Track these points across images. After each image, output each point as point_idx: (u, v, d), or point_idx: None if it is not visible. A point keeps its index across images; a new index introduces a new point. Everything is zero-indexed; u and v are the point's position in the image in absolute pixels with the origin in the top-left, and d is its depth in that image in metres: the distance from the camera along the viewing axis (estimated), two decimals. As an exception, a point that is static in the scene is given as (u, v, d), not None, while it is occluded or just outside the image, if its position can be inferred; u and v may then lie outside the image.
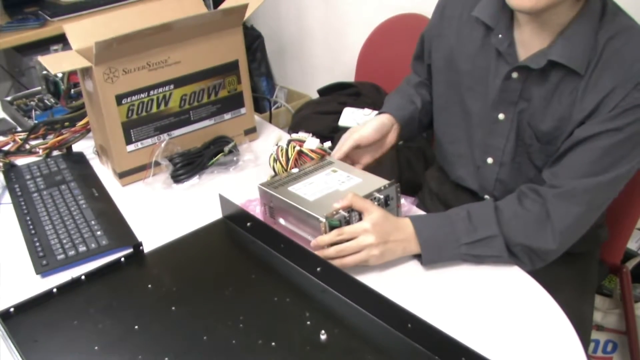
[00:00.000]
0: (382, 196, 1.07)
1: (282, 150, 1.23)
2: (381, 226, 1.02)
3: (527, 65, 1.06)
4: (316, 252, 1.03)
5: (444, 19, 1.22)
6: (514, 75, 1.09)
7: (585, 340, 0.93)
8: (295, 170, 1.17)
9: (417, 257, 1.06)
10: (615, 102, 0.99)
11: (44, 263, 1.08)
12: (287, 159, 1.21)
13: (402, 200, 1.13)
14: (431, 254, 1.04)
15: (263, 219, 1.15)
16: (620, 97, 0.98)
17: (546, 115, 1.07)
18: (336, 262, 1.01)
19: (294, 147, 1.22)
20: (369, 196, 1.06)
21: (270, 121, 1.67)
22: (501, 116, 1.13)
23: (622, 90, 0.98)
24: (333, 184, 1.11)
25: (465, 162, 1.24)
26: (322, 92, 2.19)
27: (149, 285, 1.03)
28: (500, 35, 1.09)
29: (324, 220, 1.02)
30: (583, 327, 1.15)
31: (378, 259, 1.03)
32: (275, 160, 1.23)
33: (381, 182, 1.10)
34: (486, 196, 1.22)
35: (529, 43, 1.07)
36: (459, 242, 1.03)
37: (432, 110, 1.30)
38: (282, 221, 1.12)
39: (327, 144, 1.24)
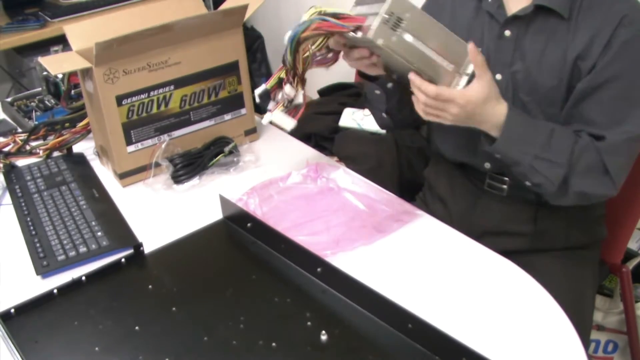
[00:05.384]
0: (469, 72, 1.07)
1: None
2: (474, 106, 1.03)
3: (516, 15, 1.10)
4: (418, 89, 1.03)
5: (438, 4, 1.25)
6: (507, 33, 1.13)
7: (584, 340, 0.93)
8: None
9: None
10: (605, 39, 1.04)
11: (44, 264, 1.08)
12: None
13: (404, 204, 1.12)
14: (504, 146, 1.08)
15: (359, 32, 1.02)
16: (608, 35, 1.04)
17: (543, 67, 1.10)
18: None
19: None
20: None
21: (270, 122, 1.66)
22: (498, 77, 1.15)
23: (609, 29, 1.04)
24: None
25: (468, 137, 1.23)
26: (323, 92, 2.18)
27: (150, 286, 1.03)
28: (490, 0, 1.15)
29: (470, 70, 1.01)
30: (583, 327, 1.15)
31: (445, 122, 1.07)
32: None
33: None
34: (487, 164, 1.22)
35: (516, 1, 1.12)
36: (531, 151, 1.07)
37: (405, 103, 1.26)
38: (409, 37, 1.01)
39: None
